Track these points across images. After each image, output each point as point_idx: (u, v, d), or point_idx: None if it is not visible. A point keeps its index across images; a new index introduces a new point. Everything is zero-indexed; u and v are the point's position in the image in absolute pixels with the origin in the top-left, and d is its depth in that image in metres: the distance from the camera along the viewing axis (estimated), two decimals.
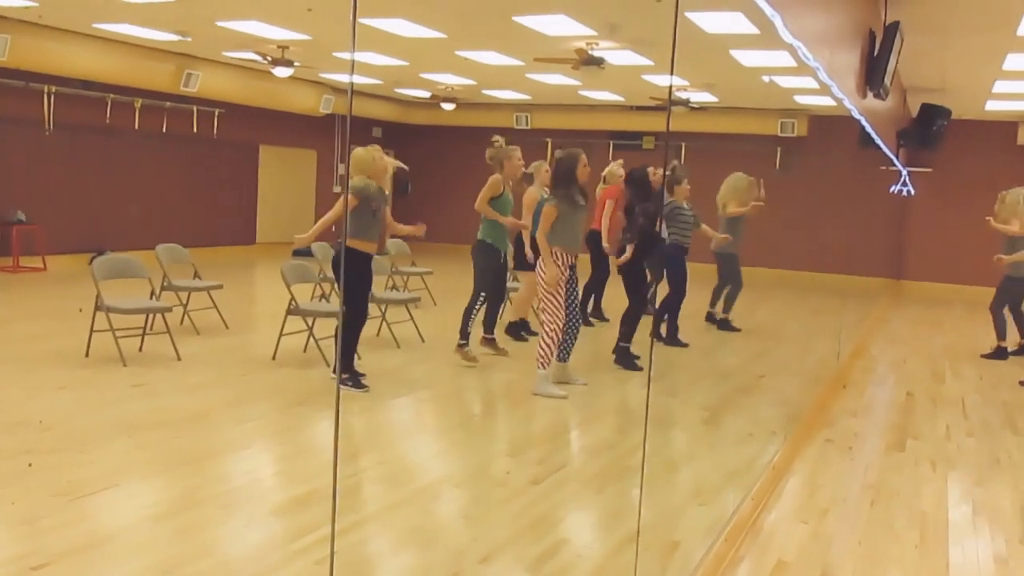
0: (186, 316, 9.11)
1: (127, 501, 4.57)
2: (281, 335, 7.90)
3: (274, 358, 7.87)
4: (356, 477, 5.05)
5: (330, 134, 18.93)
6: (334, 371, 6.97)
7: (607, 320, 10.29)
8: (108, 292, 7.56)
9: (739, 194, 10.51)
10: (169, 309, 7.88)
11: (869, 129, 9.32)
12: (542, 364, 6.91)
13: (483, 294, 8.15)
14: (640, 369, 8.14)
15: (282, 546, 4.02)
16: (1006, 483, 5.68)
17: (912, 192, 16.78)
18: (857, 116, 8.44)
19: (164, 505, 4.52)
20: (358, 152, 7.01)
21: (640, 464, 5.57)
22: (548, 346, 6.91)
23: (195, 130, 15.78)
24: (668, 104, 15.05)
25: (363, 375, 6.94)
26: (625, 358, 8.23)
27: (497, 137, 8.54)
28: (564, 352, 7.34)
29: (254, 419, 6.12)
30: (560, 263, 6.93)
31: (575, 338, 7.33)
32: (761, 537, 4.52)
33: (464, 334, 8.08)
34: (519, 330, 9.27)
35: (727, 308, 10.64)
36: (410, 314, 9.12)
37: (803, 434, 6.46)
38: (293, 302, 7.84)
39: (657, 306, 9.30)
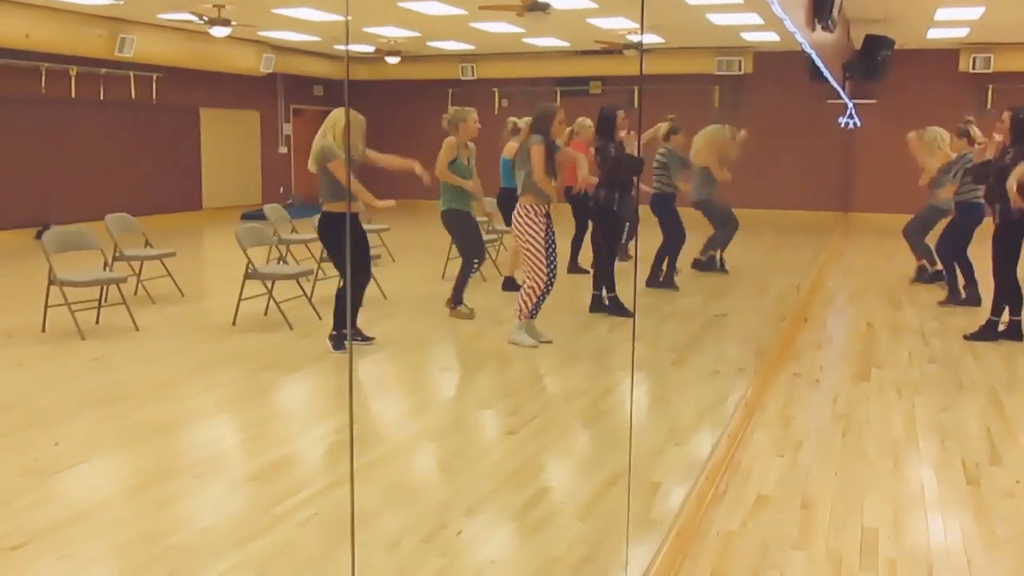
0: (140, 286, 8.95)
1: (100, 476, 4.50)
2: (240, 299, 7.79)
3: (234, 323, 7.76)
4: (330, 437, 5.01)
5: (273, 94, 18.59)
6: (335, 332, 6.83)
7: (587, 272, 10.20)
8: (60, 265, 7.40)
9: (717, 147, 10.54)
10: (124, 279, 7.73)
11: (819, 62, 9.33)
12: (519, 315, 6.91)
13: (475, 260, 8.11)
14: (631, 314, 8.21)
15: (264, 511, 3.97)
16: (971, 407, 5.78)
17: (858, 124, 16.91)
18: (808, 50, 8.44)
19: (138, 477, 4.44)
20: (333, 114, 6.85)
21: (612, 408, 5.60)
22: (528, 298, 6.93)
23: (133, 96, 15.42)
24: (640, 47, 14.92)
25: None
26: (616, 306, 8.29)
27: (453, 109, 8.39)
28: (534, 308, 7.32)
29: (220, 386, 6.03)
30: (534, 213, 6.89)
31: (547, 294, 7.29)
32: (739, 473, 4.56)
33: (458, 299, 8.04)
34: (515, 285, 9.22)
35: (710, 248, 10.76)
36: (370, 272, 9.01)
37: (770, 369, 6.52)
38: (250, 266, 7.72)
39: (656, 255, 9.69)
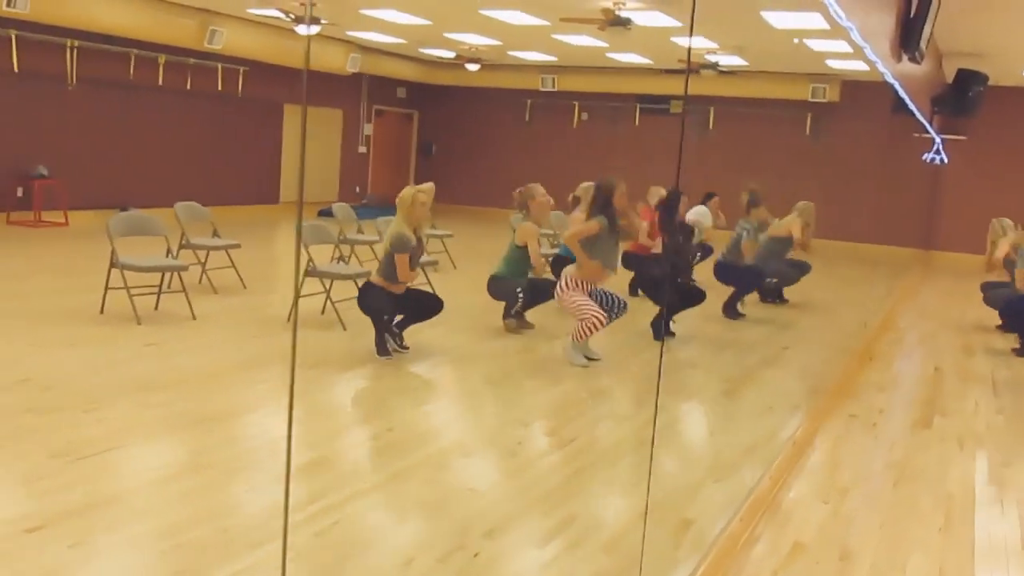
0: (204, 275, 9.03)
1: (129, 464, 4.49)
2: (298, 296, 7.80)
3: (289, 319, 7.77)
4: (364, 445, 4.95)
5: (357, 93, 18.73)
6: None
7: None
8: (126, 249, 7.49)
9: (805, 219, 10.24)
10: (185, 268, 7.78)
11: (903, 94, 9.04)
12: (576, 339, 6.91)
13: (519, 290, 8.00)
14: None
15: (283, 515, 3.91)
16: None
17: (945, 160, 16.40)
18: (891, 80, 8.18)
19: (168, 468, 4.43)
20: (403, 195, 6.80)
21: (656, 436, 5.44)
22: (587, 329, 6.89)
23: (220, 87, 15.63)
24: (687, 66, 14.71)
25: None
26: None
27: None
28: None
29: (264, 382, 6.01)
30: (583, 287, 6.90)
31: (615, 318, 7.23)
32: (779, 516, 4.37)
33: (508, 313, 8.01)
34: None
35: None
36: (427, 278, 8.98)
37: (826, 408, 6.29)
38: (311, 263, 7.72)
39: None
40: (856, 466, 5.22)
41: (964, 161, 16.44)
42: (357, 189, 18.64)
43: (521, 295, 7.90)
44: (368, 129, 19.12)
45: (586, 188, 8.67)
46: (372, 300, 6.68)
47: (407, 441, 5.03)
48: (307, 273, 7.69)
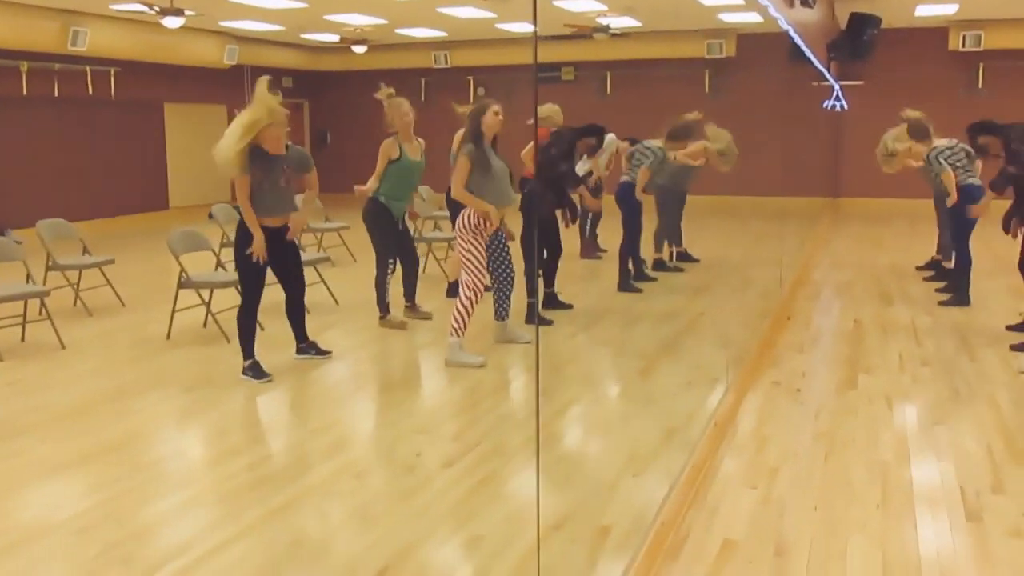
0: (77, 297, 8.35)
1: None
2: (174, 311, 7.19)
3: (168, 337, 7.16)
4: (239, 477, 4.40)
5: (239, 87, 17.88)
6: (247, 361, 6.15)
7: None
8: None
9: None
10: (46, 293, 7.10)
11: (799, 42, 8.73)
12: (454, 331, 6.23)
13: (390, 261, 7.40)
14: (570, 307, 7.72)
15: None
16: (968, 418, 5.20)
17: (845, 106, 16.31)
18: (785, 27, 7.84)
19: (11, 534, 3.84)
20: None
21: (565, 432, 5.01)
22: (462, 312, 6.21)
23: (91, 91, 14.74)
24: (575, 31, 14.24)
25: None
26: (551, 302, 7.79)
27: (384, 88, 7.63)
28: (501, 310, 6.74)
29: (136, 412, 5.42)
30: (478, 229, 6.28)
31: (509, 292, 6.70)
32: (705, 510, 3.96)
33: (383, 307, 7.42)
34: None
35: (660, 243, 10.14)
36: (319, 275, 8.42)
37: (747, 378, 5.93)
38: (183, 274, 7.12)
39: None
40: (783, 441, 4.85)
41: (863, 106, 16.33)
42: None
43: (392, 266, 7.33)
44: None
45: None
46: (239, 239, 5.92)
47: (289, 468, 4.50)
48: (180, 285, 7.09)
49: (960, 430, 5.00)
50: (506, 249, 6.55)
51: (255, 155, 5.78)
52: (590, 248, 10.89)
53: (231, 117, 17.93)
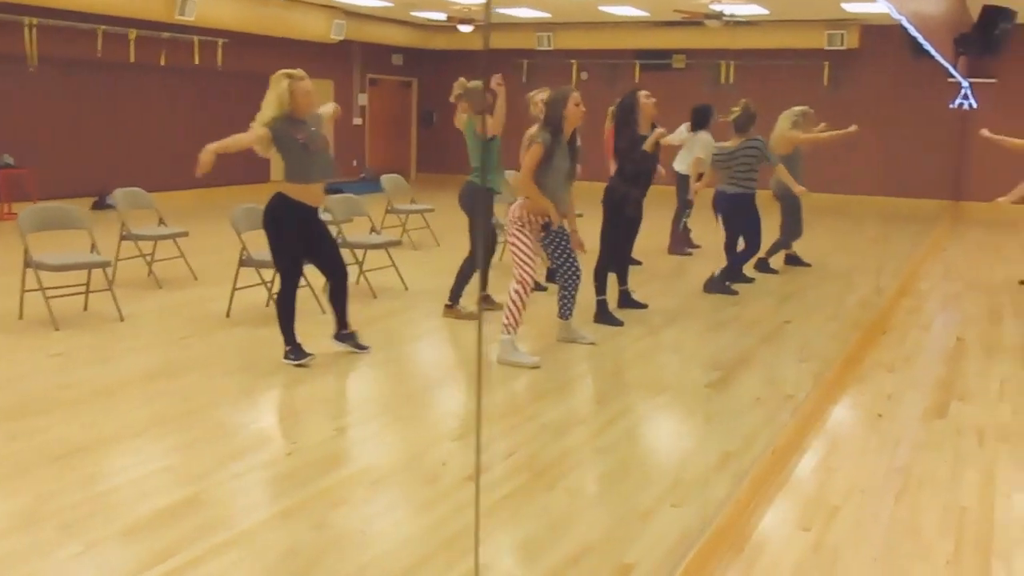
0: (150, 268, 8.29)
1: None
2: (235, 289, 7.02)
3: (228, 315, 6.99)
4: (251, 475, 4.13)
5: (348, 62, 17.84)
6: (289, 347, 5.90)
7: (639, 263, 9.14)
8: (50, 245, 6.78)
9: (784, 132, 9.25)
10: (107, 263, 7.00)
11: (915, 33, 8.03)
12: (506, 328, 5.86)
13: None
14: (644, 306, 7.27)
15: None
16: None
17: (974, 105, 15.28)
18: (897, 16, 7.19)
19: None
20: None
21: (612, 446, 4.59)
22: (512, 309, 5.84)
23: (197, 61, 14.82)
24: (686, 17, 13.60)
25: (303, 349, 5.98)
26: (625, 301, 7.35)
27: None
28: (565, 308, 6.34)
29: (168, 395, 5.21)
30: (529, 226, 5.92)
31: (574, 290, 6.30)
32: (745, 553, 3.51)
33: (455, 296, 7.09)
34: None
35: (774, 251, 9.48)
36: (391, 259, 8.15)
37: (824, 397, 5.41)
38: (245, 252, 6.93)
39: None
40: (851, 475, 4.34)
41: (995, 105, 15.28)
42: (355, 163, 17.81)
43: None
44: (363, 99, 18.24)
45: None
46: (271, 209, 5.68)
47: (302, 470, 4.20)
48: (241, 263, 6.91)
49: None
50: (564, 241, 6.14)
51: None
52: (680, 243, 10.36)
53: (337, 92, 17.88)
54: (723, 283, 8.37)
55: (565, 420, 5.01)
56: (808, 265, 9.81)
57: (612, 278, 7.40)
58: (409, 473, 4.22)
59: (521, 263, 5.86)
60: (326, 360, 5.90)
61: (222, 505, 3.83)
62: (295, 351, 5.77)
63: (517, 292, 5.84)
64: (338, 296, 5.99)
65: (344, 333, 6.06)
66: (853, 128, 9.56)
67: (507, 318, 5.85)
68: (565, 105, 5.89)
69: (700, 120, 9.64)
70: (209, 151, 5.32)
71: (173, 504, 3.79)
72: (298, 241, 5.69)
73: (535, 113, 7.41)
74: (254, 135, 5.48)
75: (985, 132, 9.04)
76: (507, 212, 6.04)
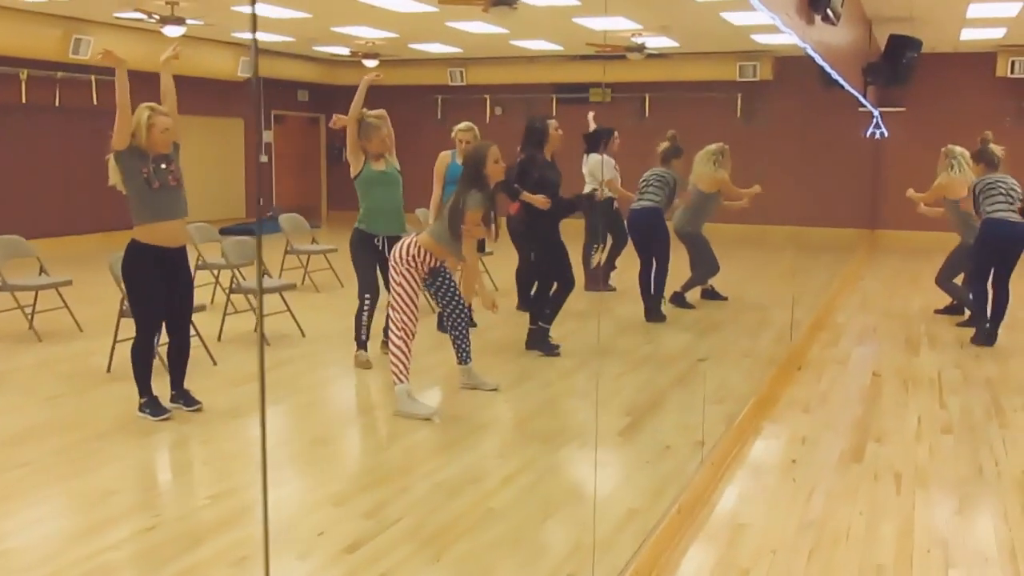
0: (29, 321, 7.74)
1: None
2: (115, 342, 6.53)
3: (109, 370, 6.50)
4: (98, 557, 3.68)
5: (255, 100, 17.36)
6: (143, 399, 5.47)
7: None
8: None
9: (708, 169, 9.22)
10: None
11: (820, 61, 7.92)
12: (397, 378, 5.50)
13: (367, 296, 6.69)
14: (557, 353, 6.93)
15: None
16: (992, 508, 4.36)
17: (886, 134, 15.41)
18: (802, 44, 7.06)
19: None
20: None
21: (508, 507, 4.24)
22: (400, 354, 5.48)
23: (95, 102, 14.23)
24: (604, 50, 13.47)
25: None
26: (541, 341, 7.04)
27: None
28: (462, 353, 5.99)
29: (26, 463, 4.73)
30: (429, 259, 5.61)
31: (466, 331, 5.97)
32: None
33: (360, 342, 6.69)
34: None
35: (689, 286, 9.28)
36: (285, 304, 7.72)
37: (734, 443, 5.14)
38: (124, 301, 6.45)
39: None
40: (763, 531, 4.05)
41: (905, 134, 15.44)
42: (261, 201, 17.34)
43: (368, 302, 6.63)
44: (268, 137, 17.78)
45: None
46: (125, 255, 5.36)
47: (165, 546, 3.77)
48: (121, 313, 6.44)
49: (980, 524, 4.17)
50: (452, 284, 5.82)
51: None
52: (597, 280, 10.10)
53: (247, 131, 17.34)
54: (659, 309, 8.46)
55: (460, 478, 4.64)
56: (725, 298, 9.61)
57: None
58: (280, 547, 3.80)
59: (402, 307, 5.49)
60: (211, 417, 5.47)
61: None
62: (150, 404, 5.41)
63: (400, 338, 5.48)
64: (179, 354, 5.59)
65: (175, 393, 5.62)
66: (756, 189, 9.53)
67: (394, 367, 5.49)
68: (485, 164, 5.63)
69: (591, 144, 9.66)
70: None
71: None
72: (153, 289, 5.31)
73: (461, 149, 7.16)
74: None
75: (911, 192, 9.09)
76: (393, 253, 5.66)
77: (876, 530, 4.07)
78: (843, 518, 4.19)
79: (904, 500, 4.44)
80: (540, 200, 6.83)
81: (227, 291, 7.65)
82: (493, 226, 5.74)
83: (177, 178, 5.45)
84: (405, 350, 5.48)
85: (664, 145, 8.95)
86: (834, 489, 4.57)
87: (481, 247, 6.66)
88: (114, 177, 5.34)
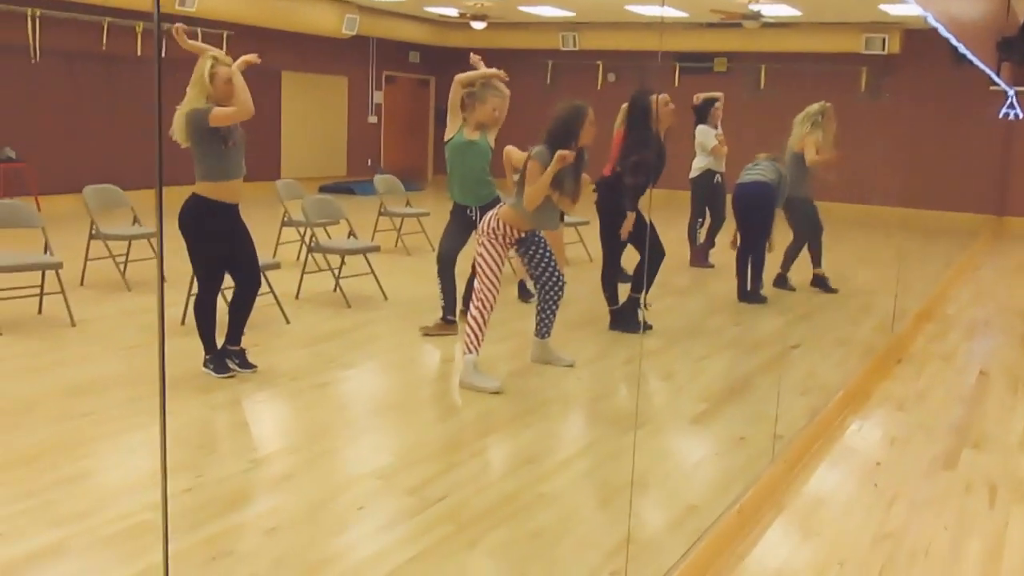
0: (122, 270, 7.81)
1: None
2: (190, 295, 6.50)
3: (183, 323, 6.48)
4: (132, 517, 3.59)
5: (363, 58, 17.35)
6: (209, 355, 5.43)
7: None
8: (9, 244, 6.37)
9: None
10: (59, 264, 6.52)
11: (946, 33, 7.35)
12: (468, 347, 5.32)
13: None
14: (639, 329, 6.64)
15: None
16: None
17: (1020, 115, 14.49)
18: (924, 14, 6.55)
19: None
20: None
21: (559, 492, 4.01)
22: (475, 325, 5.30)
23: None
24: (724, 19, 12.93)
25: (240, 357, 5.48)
26: (619, 320, 6.78)
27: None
28: (543, 326, 5.77)
29: (82, 415, 4.70)
30: (511, 230, 5.40)
31: (554, 306, 5.73)
32: None
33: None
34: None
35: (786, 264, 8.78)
36: (369, 266, 7.61)
37: (814, 438, 4.79)
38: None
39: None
40: (832, 541, 3.73)
41: None
42: (369, 162, 17.34)
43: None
44: (378, 97, 17.75)
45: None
46: (186, 211, 5.23)
47: (198, 510, 3.66)
48: None
49: None
50: (548, 255, 5.58)
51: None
52: (701, 255, 9.72)
53: (351, 89, 17.37)
54: (757, 291, 8.10)
55: (514, 458, 4.43)
56: (835, 291, 8.89)
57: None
58: (316, 519, 3.66)
59: (485, 278, 5.32)
60: (270, 378, 5.39)
61: (83, 556, 3.30)
62: (214, 360, 5.36)
63: (479, 308, 5.30)
64: (242, 307, 5.48)
65: (231, 349, 5.52)
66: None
67: (468, 336, 5.31)
68: (581, 124, 5.40)
69: (700, 115, 9.28)
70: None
71: (29, 553, 3.27)
72: (216, 244, 5.26)
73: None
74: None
75: None
76: (481, 225, 5.50)
77: (960, 548, 3.71)
78: (925, 532, 3.83)
79: (997, 516, 4.04)
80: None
81: (308, 248, 7.59)
82: (574, 191, 5.50)
83: (243, 137, 5.46)
84: (481, 322, 5.30)
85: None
86: (919, 498, 4.20)
87: (560, 216, 6.40)
88: (179, 133, 5.27)
